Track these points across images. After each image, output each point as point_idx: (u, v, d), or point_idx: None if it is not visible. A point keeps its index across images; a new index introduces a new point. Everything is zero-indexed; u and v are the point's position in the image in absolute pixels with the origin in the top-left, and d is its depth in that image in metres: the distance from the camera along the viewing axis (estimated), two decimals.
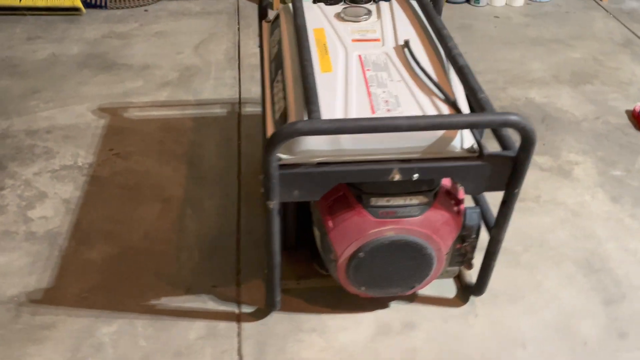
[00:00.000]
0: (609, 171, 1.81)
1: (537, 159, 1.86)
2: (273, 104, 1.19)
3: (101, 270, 1.46)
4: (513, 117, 1.00)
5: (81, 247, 1.52)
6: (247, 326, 1.33)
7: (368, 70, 1.21)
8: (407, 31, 1.34)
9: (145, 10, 2.76)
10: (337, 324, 1.35)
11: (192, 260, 1.49)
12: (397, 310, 1.38)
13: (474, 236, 1.26)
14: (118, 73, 2.27)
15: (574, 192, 1.73)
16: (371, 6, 1.46)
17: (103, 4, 2.73)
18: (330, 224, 1.19)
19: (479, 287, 1.34)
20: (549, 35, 2.63)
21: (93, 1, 2.71)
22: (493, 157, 1.08)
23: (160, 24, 2.65)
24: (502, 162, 1.08)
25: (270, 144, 0.99)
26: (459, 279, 1.45)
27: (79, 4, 2.64)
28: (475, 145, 1.08)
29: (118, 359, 1.26)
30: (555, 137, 1.96)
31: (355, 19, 1.39)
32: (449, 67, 1.23)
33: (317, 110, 1.02)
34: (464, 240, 1.26)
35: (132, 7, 2.77)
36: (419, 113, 1.09)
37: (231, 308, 1.37)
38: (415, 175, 1.08)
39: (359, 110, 1.10)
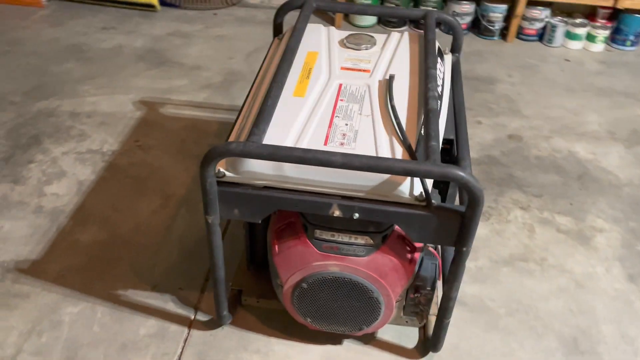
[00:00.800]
0: (636, 245, 1.63)
1: (558, 218, 1.71)
2: (243, 119, 1.20)
3: (85, 253, 1.54)
4: (454, 172, 0.93)
5: (76, 227, 1.62)
6: (196, 334, 1.35)
7: (342, 100, 1.18)
8: (403, 66, 1.30)
9: (215, 14, 2.88)
10: (283, 350, 1.32)
11: (169, 260, 1.53)
12: (348, 350, 1.33)
13: (428, 288, 1.19)
14: (169, 70, 2.39)
15: (587, 261, 1.58)
16: (379, 36, 1.42)
17: (178, 3, 2.89)
18: (276, 248, 1.17)
19: (434, 343, 1.26)
20: (620, 87, 2.41)
21: (169, 0, 2.88)
22: (441, 209, 1.01)
23: (224, 28, 2.75)
24: (450, 216, 1.01)
25: (204, 160, 1.00)
26: (424, 329, 1.37)
27: (154, 1, 2.82)
28: (424, 194, 1.01)
29: (69, 339, 1.32)
30: (586, 199, 1.79)
31: (356, 47, 1.37)
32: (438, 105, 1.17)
33: (259, 134, 1.02)
34: (418, 291, 1.19)
35: (204, 9, 2.90)
36: (372, 152, 1.05)
37: (188, 313, 1.39)
38: (356, 215, 1.04)
39: (312, 139, 1.08)
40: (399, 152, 1.05)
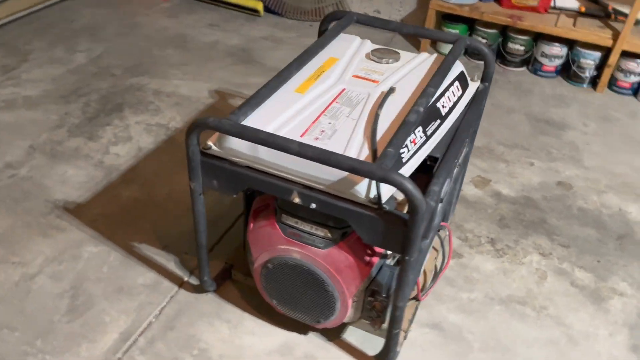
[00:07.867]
0: None
1: (578, 272, 1.62)
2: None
3: (120, 205, 1.75)
4: (394, 177, 0.97)
5: (122, 184, 1.84)
6: (182, 293, 1.48)
7: (337, 102, 1.26)
8: (412, 82, 1.34)
9: (310, 25, 3.06)
10: (251, 326, 1.41)
11: (186, 226, 1.68)
12: (310, 341, 1.38)
13: (384, 295, 1.21)
14: (250, 68, 2.60)
15: (591, 321, 1.48)
16: (407, 54, 1.48)
17: (280, 11, 3.11)
18: (251, 226, 1.27)
19: (384, 354, 1.27)
20: None
21: (273, 7, 3.11)
22: (389, 214, 1.05)
23: (314, 38, 2.91)
24: (395, 221, 1.05)
25: (187, 131, 1.13)
26: None
27: (259, 7, 3.07)
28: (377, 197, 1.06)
29: (80, 272, 1.52)
30: (618, 260, 1.67)
31: (378, 59, 1.43)
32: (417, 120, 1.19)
33: (239, 115, 1.13)
34: (373, 295, 1.22)
35: (303, 20, 3.09)
36: (341, 151, 1.11)
37: (183, 275, 1.53)
38: (313, 205, 1.11)
39: (292, 130, 1.16)
40: (365, 155, 1.11)
